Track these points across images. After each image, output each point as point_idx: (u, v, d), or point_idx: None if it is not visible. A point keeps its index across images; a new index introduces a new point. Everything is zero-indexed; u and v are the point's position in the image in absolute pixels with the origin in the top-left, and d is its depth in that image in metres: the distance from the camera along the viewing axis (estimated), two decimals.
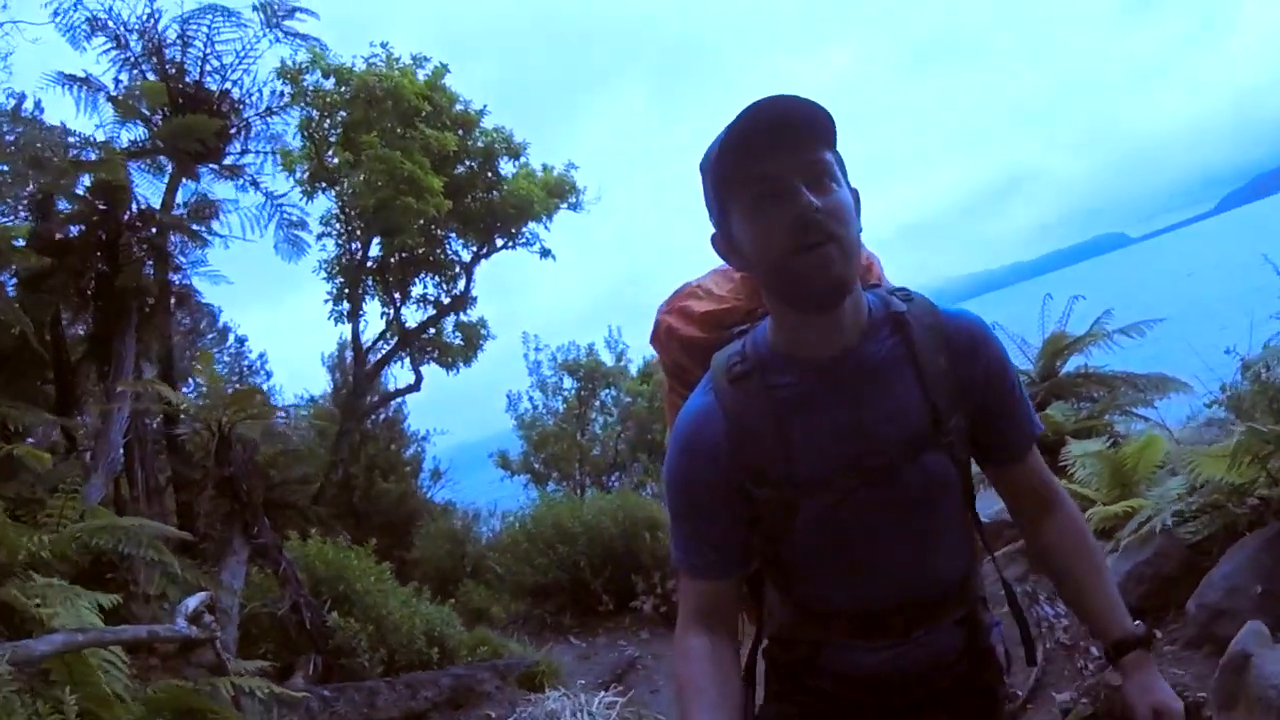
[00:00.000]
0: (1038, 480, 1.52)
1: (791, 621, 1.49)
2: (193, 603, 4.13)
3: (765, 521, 1.38)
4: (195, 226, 9.86)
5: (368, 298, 15.00)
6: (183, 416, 7.74)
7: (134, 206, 9.44)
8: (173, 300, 10.91)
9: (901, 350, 1.36)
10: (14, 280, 8.50)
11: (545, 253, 15.19)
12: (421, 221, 13.07)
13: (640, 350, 20.72)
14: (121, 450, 8.37)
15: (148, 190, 10.98)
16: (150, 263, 10.25)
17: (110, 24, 10.51)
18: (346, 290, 14.45)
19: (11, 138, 9.27)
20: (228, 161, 11.86)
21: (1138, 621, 1.46)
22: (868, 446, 1.33)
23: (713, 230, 1.38)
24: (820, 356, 1.34)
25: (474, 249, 15.19)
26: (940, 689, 1.47)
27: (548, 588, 9.18)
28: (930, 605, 1.43)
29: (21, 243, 7.75)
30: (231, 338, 20.82)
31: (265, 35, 10.69)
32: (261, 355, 19.72)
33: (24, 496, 5.56)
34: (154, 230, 9.28)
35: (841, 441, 1.34)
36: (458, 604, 10.62)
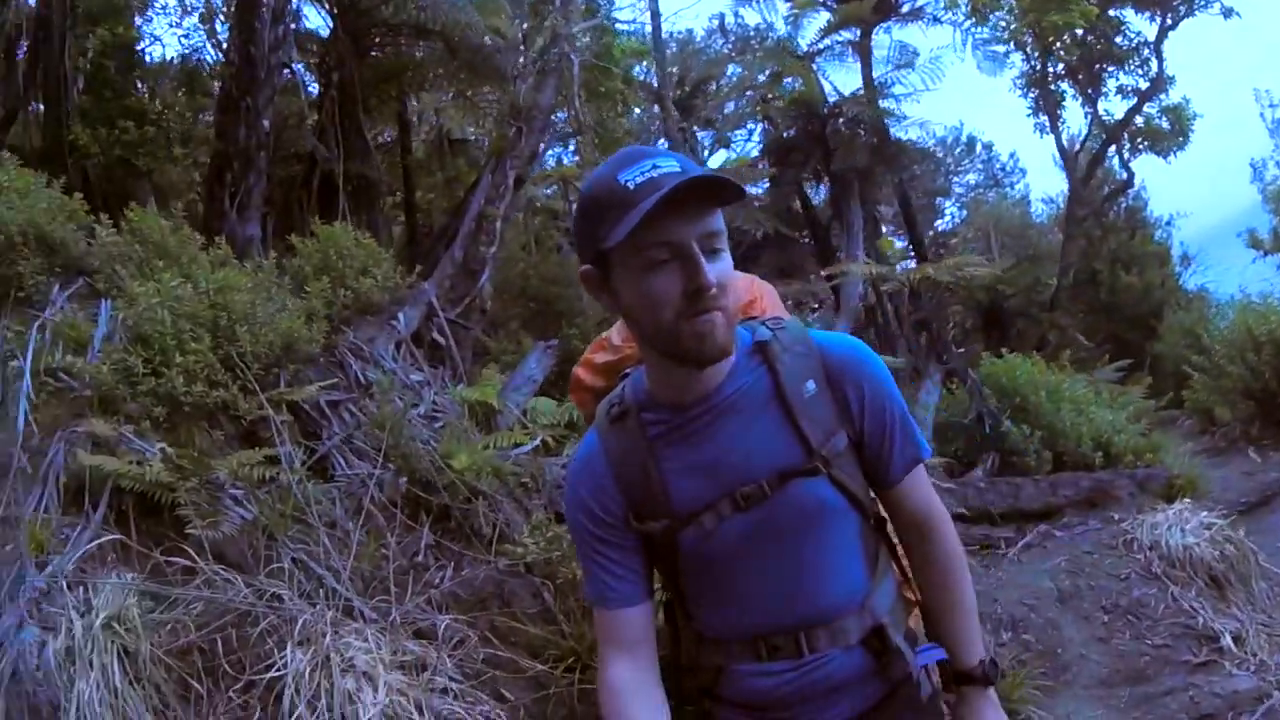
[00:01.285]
0: (917, 506, 1.53)
1: (696, 647, 1.54)
2: None
3: (655, 553, 1.49)
4: (892, 92, 11.75)
5: (1064, 104, 15.32)
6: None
7: (827, 99, 11.83)
8: (901, 159, 12.98)
9: (767, 381, 1.42)
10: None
11: (1228, 12, 13.61)
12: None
13: None
14: (859, 298, 10.79)
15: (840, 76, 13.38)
16: (863, 133, 12.43)
17: None
18: (1042, 101, 14.91)
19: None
20: (905, 9, 13.31)
21: (989, 659, 1.55)
22: (737, 479, 1.40)
23: (583, 265, 1.39)
24: (688, 398, 1.41)
25: (1156, 22, 14.06)
26: (845, 713, 1.48)
27: (1245, 394, 8.71)
28: (822, 628, 1.44)
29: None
30: (978, 147, 22.75)
31: None
32: (1013, 155, 21.25)
33: None
34: (854, 112, 11.39)
35: (712, 475, 1.41)
36: (1187, 402, 10.50)
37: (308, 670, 2.67)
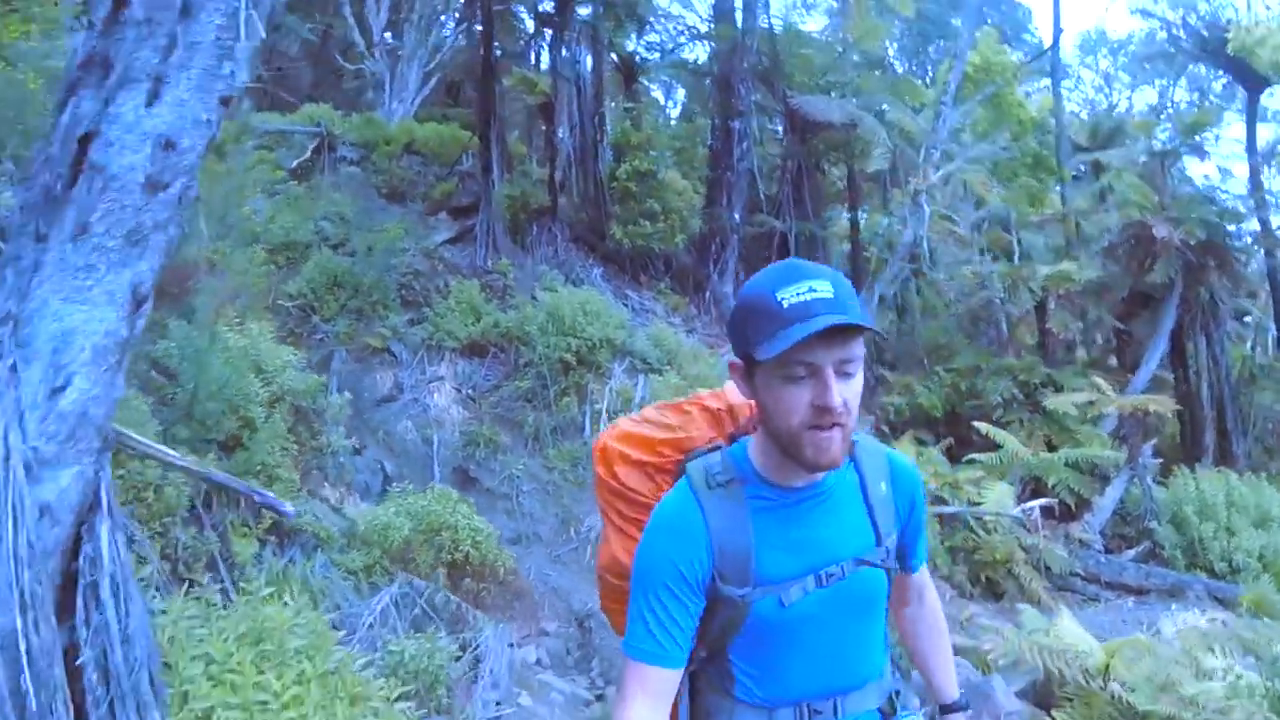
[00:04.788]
0: (923, 579, 1.90)
1: (730, 716, 1.66)
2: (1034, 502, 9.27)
3: (719, 616, 1.59)
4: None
5: None
6: None
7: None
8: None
9: (855, 478, 1.66)
10: None
11: None
12: None
13: None
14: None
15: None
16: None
17: None
18: None
19: None
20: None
21: (962, 693, 1.92)
22: (823, 559, 1.59)
23: (733, 357, 1.58)
24: (795, 483, 1.60)
25: None
26: None
27: None
28: (856, 693, 1.68)
29: None
30: None
31: None
32: None
33: None
34: (1163, 234, 13.27)
35: (801, 553, 1.59)
36: None
37: None
